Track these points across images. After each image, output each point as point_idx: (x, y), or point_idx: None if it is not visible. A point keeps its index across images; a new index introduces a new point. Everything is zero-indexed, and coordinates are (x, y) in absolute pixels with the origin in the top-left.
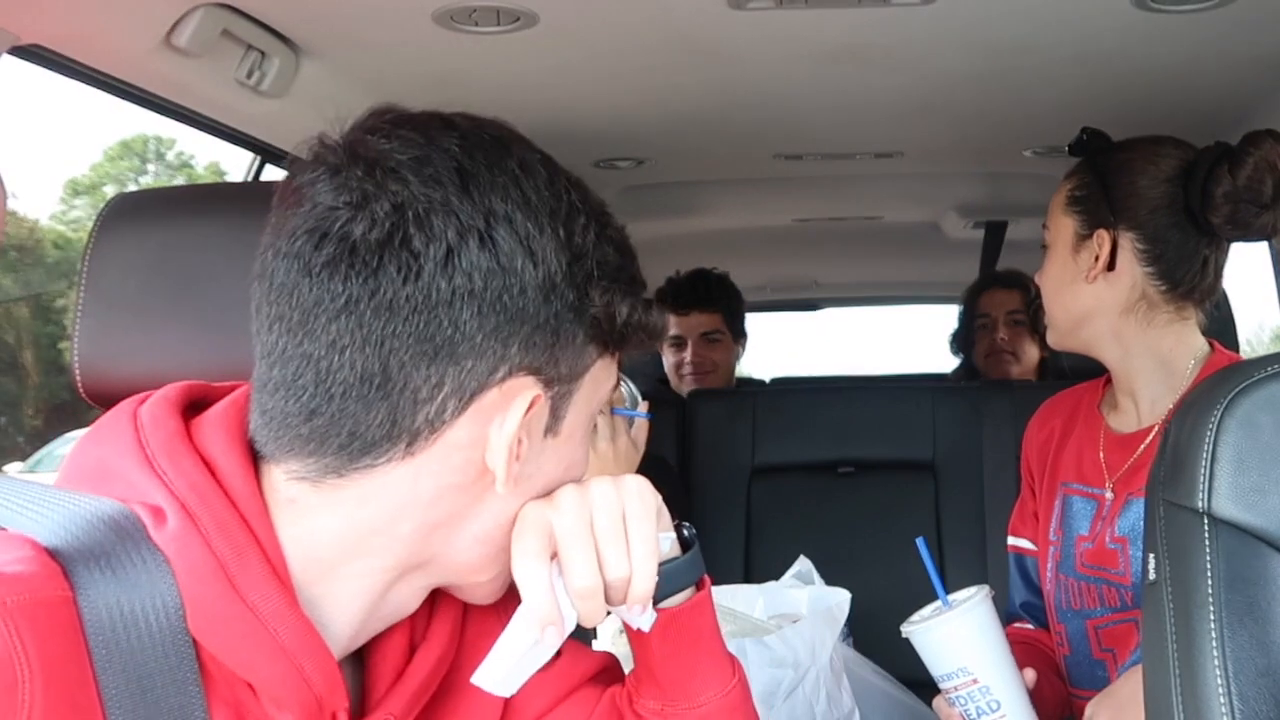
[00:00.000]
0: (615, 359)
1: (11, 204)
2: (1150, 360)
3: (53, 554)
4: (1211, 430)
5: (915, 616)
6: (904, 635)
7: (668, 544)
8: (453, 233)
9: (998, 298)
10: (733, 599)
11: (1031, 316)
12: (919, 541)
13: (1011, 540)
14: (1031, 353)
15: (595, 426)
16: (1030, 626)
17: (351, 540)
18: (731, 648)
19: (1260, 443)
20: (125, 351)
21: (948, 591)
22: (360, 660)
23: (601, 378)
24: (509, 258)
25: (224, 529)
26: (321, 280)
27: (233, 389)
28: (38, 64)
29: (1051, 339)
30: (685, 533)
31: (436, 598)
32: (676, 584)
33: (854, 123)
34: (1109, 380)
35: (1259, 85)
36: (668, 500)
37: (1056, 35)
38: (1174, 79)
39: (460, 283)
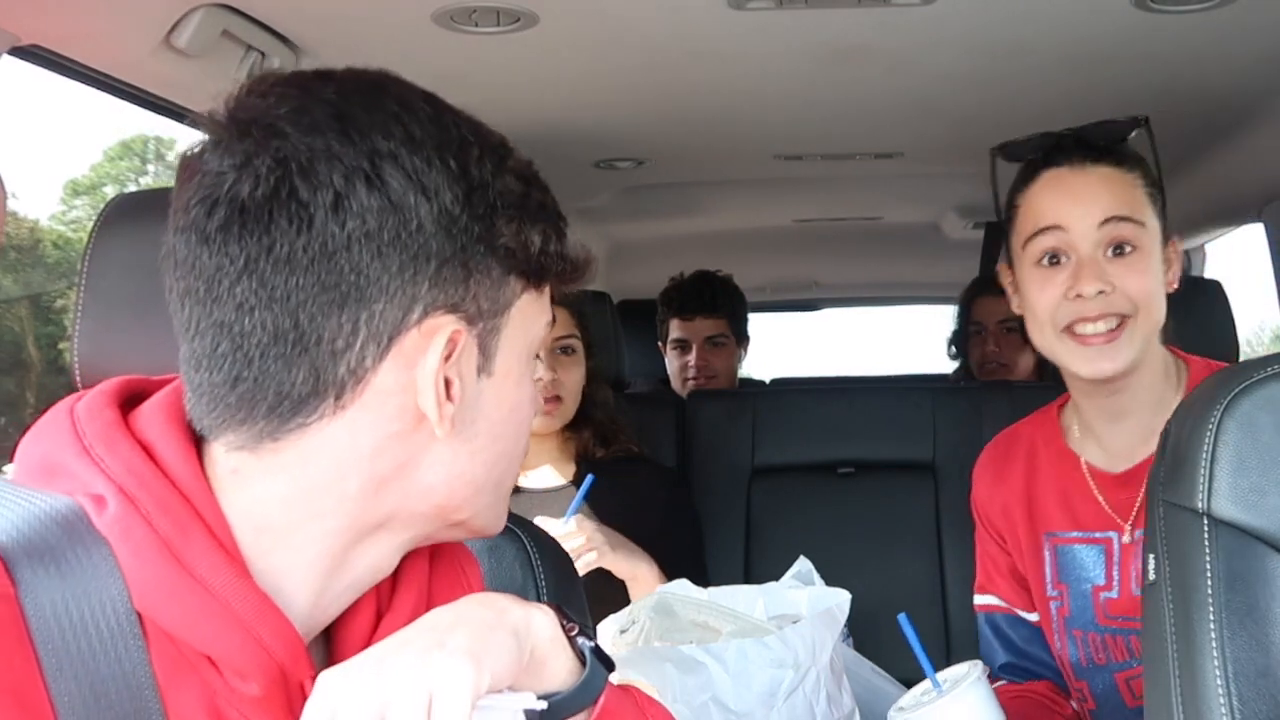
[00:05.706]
0: (543, 293)
1: (11, 204)
2: (1156, 369)
3: None
4: (1211, 430)
5: (905, 700)
6: None
7: (517, 710)
8: (338, 177)
9: (989, 306)
10: (733, 599)
11: (1023, 325)
12: (901, 618)
13: (979, 599)
14: (1025, 360)
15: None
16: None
17: (299, 503)
18: (732, 648)
19: (1260, 443)
20: (125, 351)
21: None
22: (330, 637)
23: (531, 313)
24: (400, 195)
25: (165, 508)
26: (218, 246)
27: (171, 380)
28: (38, 64)
29: (1129, 356)
30: (581, 644)
31: (401, 568)
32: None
33: (854, 123)
34: (1057, 412)
35: (1259, 85)
36: (666, 506)
37: (1056, 35)
38: (1174, 79)
39: (354, 226)
